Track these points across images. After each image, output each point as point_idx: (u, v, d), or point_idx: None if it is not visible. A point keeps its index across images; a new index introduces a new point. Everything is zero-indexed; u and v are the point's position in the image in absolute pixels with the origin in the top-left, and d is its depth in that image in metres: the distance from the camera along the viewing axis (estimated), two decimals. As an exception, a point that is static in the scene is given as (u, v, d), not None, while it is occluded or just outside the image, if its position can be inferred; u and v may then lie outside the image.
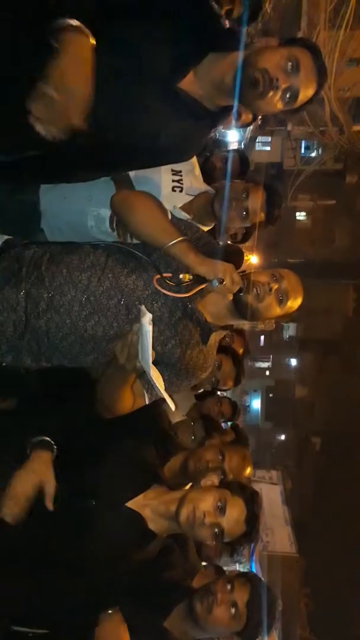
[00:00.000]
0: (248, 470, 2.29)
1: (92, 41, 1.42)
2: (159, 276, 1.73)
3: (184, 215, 2.28)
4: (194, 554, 2.27)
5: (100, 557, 1.66)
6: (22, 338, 1.76)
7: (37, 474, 1.62)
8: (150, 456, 1.89)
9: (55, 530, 1.64)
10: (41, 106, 1.38)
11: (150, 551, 1.75)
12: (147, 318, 1.59)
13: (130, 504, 1.73)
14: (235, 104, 1.73)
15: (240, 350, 3.07)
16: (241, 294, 1.77)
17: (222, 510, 1.70)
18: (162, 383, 1.66)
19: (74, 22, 1.39)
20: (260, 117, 3.31)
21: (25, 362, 1.83)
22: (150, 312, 1.75)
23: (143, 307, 1.65)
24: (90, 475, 1.72)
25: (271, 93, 1.64)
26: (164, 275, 1.74)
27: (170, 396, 1.68)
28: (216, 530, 1.69)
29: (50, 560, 1.64)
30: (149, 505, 1.75)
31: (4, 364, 1.84)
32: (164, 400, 1.66)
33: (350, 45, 8.60)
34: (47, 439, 1.68)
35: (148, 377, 1.63)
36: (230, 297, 1.77)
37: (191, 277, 1.73)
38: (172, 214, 1.89)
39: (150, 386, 1.74)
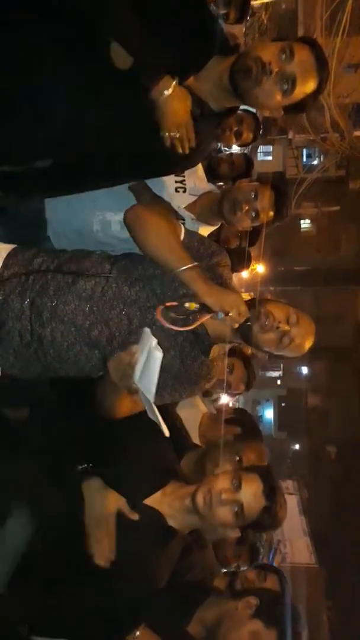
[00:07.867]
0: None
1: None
2: (162, 307, 1.68)
3: (188, 215, 2.28)
4: (212, 557, 2.23)
5: (121, 558, 1.63)
6: (28, 347, 1.75)
7: (108, 504, 1.62)
8: (168, 452, 1.87)
9: (72, 532, 1.62)
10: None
11: (173, 549, 1.72)
12: (153, 343, 1.52)
13: (148, 501, 1.71)
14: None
15: (249, 351, 3.04)
16: (248, 324, 1.72)
17: (238, 487, 1.66)
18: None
19: None
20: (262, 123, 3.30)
21: (34, 372, 1.82)
22: (151, 323, 1.70)
23: (148, 331, 1.57)
24: (107, 473, 1.70)
25: (264, 78, 1.63)
26: (168, 304, 1.69)
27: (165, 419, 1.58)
28: (236, 508, 1.64)
29: (68, 564, 1.61)
30: (166, 502, 1.72)
31: (13, 374, 1.83)
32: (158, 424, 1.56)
33: (348, 52, 8.65)
34: (85, 466, 1.67)
35: (144, 400, 1.55)
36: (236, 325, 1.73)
37: (197, 305, 1.68)
38: (185, 231, 1.85)
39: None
